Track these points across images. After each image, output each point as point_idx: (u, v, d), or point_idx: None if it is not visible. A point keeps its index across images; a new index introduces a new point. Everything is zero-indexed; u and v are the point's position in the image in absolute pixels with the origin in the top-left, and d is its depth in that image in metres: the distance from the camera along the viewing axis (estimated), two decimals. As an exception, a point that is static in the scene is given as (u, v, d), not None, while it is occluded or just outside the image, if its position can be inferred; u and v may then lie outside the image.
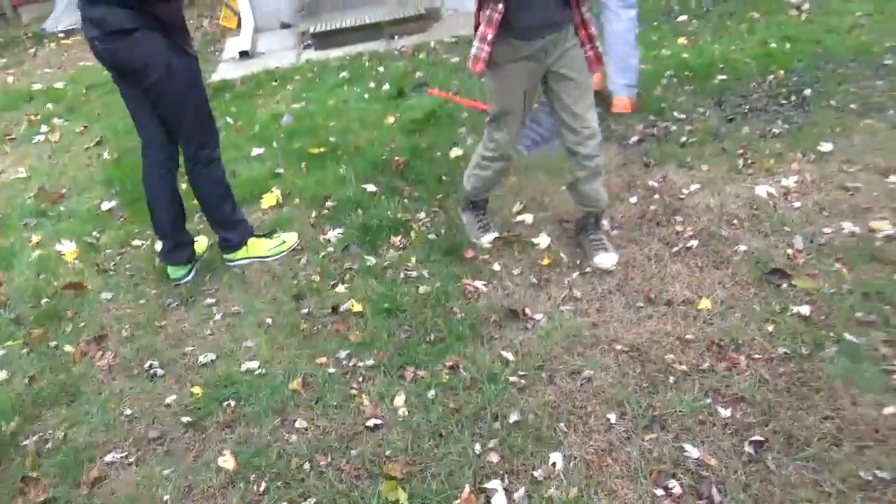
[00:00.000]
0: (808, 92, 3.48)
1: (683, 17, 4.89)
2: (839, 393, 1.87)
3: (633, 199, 2.89)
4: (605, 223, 2.67)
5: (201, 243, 2.97)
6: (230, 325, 2.54)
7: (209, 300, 2.69)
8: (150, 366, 2.37)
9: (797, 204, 2.68)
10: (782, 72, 3.75)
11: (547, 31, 2.19)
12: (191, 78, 2.46)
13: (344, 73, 4.84)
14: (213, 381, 2.25)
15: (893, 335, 2.03)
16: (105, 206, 3.54)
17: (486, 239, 2.74)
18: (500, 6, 2.12)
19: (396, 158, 3.47)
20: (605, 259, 2.50)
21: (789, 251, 2.43)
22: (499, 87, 2.35)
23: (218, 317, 2.58)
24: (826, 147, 2.99)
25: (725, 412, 1.87)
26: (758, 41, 4.24)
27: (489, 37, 2.18)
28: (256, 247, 2.86)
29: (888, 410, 1.80)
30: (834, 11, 4.48)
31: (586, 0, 2.21)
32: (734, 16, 4.78)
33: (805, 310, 2.16)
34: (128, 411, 2.18)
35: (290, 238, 2.93)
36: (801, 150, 3.02)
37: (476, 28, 2.24)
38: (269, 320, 2.51)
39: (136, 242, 3.18)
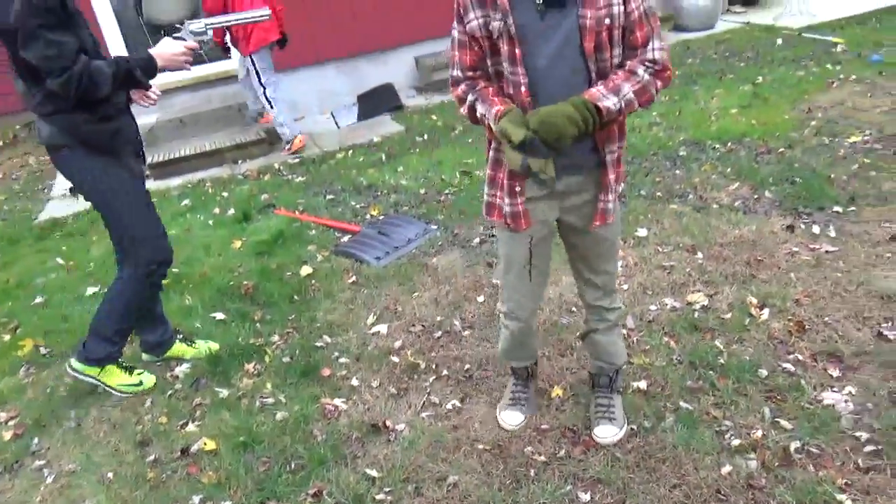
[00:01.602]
0: (623, 184, 3.89)
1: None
2: (682, 459, 2.01)
3: (481, 298, 3.02)
4: (620, 383, 2.27)
5: (149, 379, 2.76)
6: (64, 486, 2.28)
7: (38, 462, 2.41)
8: (-35, 552, 2.06)
9: (625, 286, 2.92)
10: (598, 168, 4.18)
11: (565, 174, 1.80)
12: (118, 199, 2.45)
13: (186, 201, 4.75)
14: (43, 558, 1.98)
15: (720, 398, 2.22)
16: None
17: (506, 418, 2.25)
18: None
19: (245, 283, 3.40)
20: (606, 432, 2.12)
21: (624, 331, 2.63)
22: (501, 232, 1.98)
23: (49, 479, 2.32)
24: (642, 232, 3.33)
25: (585, 496, 1.93)
26: (575, 143, 4.71)
27: (518, 188, 1.83)
28: (111, 374, 2.66)
29: (725, 469, 1.95)
30: (634, 112, 5.12)
31: (620, 138, 1.83)
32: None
33: (643, 384, 2.32)
34: None
35: (148, 380, 2.74)
36: (621, 237, 3.33)
37: (490, 164, 1.90)
38: (110, 474, 2.29)
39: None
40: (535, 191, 1.85)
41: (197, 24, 2.49)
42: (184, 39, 2.46)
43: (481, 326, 2.82)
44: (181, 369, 2.82)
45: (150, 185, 5.25)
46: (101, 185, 2.41)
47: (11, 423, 2.65)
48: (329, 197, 4.42)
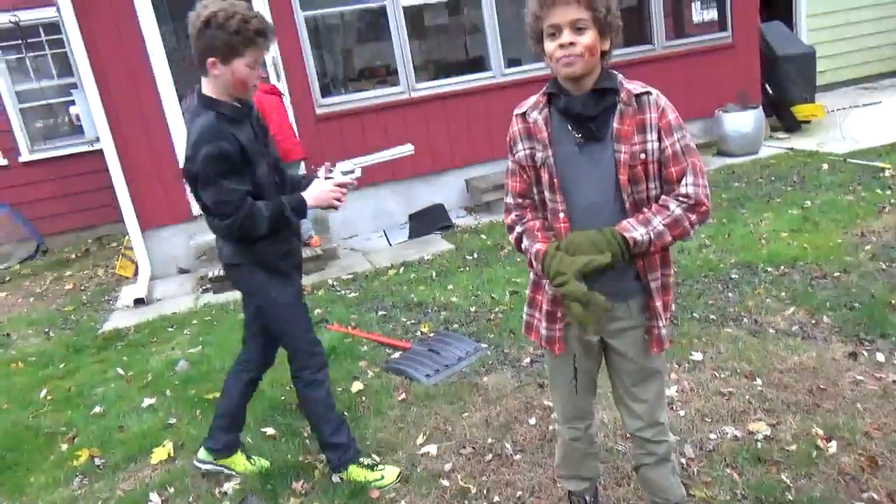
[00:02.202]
0: (672, 307, 3.88)
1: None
2: None
3: (532, 421, 2.97)
4: None
5: (391, 472, 2.77)
6: None
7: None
8: None
9: (682, 412, 2.85)
10: (648, 290, 4.18)
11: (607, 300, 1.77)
12: (287, 310, 2.63)
13: (242, 315, 4.89)
14: None
15: (791, 537, 2.10)
16: (-31, 477, 3.20)
17: None
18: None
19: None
20: None
21: (682, 460, 2.54)
22: (547, 357, 2.01)
23: None
24: (697, 356, 3.28)
25: None
26: (623, 263, 4.75)
27: (558, 314, 1.86)
28: (357, 474, 2.73)
29: None
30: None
31: (664, 266, 1.81)
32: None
33: (707, 520, 2.21)
34: None
35: (391, 473, 2.76)
36: (676, 360, 3.28)
37: (530, 285, 1.96)
38: None
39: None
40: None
41: (346, 165, 2.65)
42: (333, 179, 2.61)
43: (533, 450, 2.76)
44: (230, 485, 2.82)
45: (210, 298, 5.46)
46: (271, 299, 2.60)
47: (62, 536, 2.66)
48: (381, 313, 4.51)
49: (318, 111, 6.35)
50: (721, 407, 2.85)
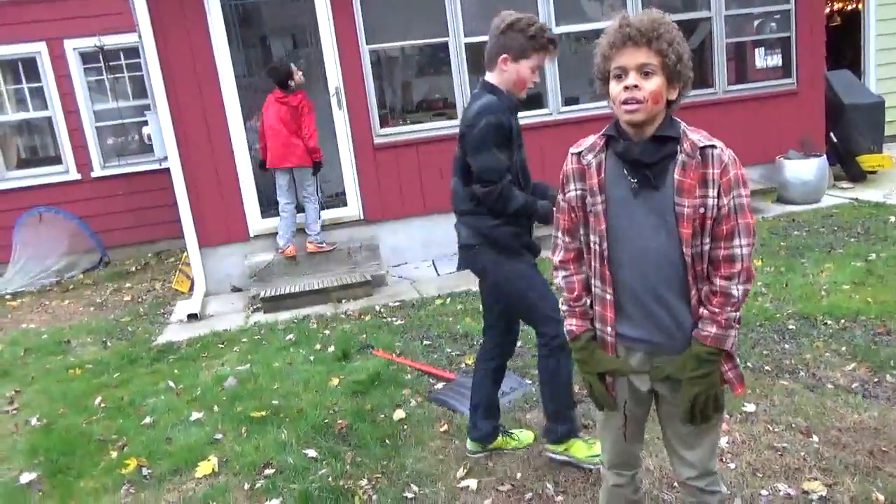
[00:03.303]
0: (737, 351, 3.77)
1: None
2: None
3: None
4: None
5: (527, 435, 3.12)
6: None
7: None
8: None
9: (732, 465, 2.75)
10: (700, 336, 4.08)
11: (646, 348, 1.78)
12: (522, 281, 2.80)
13: (290, 336, 4.99)
14: None
15: None
16: (24, 478, 3.31)
17: None
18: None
19: (339, 421, 3.46)
20: None
21: (731, 515, 2.44)
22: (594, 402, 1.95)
23: None
24: (750, 408, 3.17)
25: None
26: (675, 307, 4.66)
27: None
28: (578, 448, 2.87)
29: None
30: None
31: (728, 305, 1.68)
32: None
33: (756, 580, 2.12)
34: None
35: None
36: (728, 411, 3.18)
37: None
38: None
39: (52, 519, 2.94)
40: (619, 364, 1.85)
41: None
42: None
43: (575, 493, 2.71)
44: (271, 505, 2.84)
45: (260, 317, 5.58)
46: (504, 273, 2.78)
47: (107, 541, 2.72)
48: (426, 342, 4.52)
49: (377, 140, 6.50)
50: (774, 462, 2.74)
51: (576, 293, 1.85)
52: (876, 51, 9.33)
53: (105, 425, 3.80)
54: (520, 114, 2.79)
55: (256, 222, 6.42)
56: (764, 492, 2.56)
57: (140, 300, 6.66)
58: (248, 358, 4.62)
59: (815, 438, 2.87)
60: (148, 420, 3.78)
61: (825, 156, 7.26)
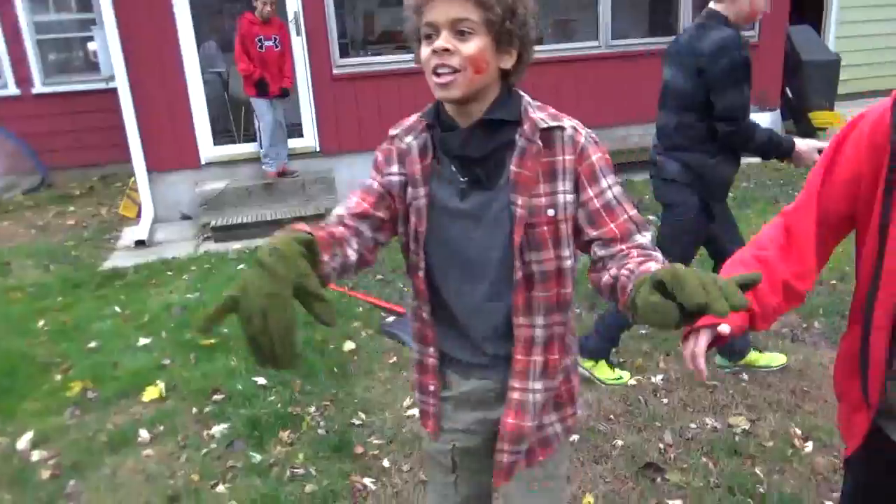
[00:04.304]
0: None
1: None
2: (715, 589, 1.93)
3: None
4: None
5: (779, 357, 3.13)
6: (92, 532, 2.31)
7: (71, 504, 2.46)
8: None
9: (665, 400, 2.90)
10: (646, 279, 4.22)
11: (478, 373, 1.39)
12: (687, 237, 2.85)
13: (241, 266, 4.94)
14: None
15: (758, 528, 2.16)
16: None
17: None
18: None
19: (290, 351, 3.48)
20: None
21: (661, 445, 2.59)
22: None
23: (79, 523, 2.36)
24: (686, 348, 3.32)
25: None
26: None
27: (431, 387, 1.42)
28: (602, 370, 3.01)
29: None
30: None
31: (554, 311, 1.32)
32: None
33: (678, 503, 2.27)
34: None
35: (626, 376, 3.06)
36: (665, 349, 3.33)
37: None
38: (137, 526, 2.32)
39: (-6, 438, 2.92)
40: (455, 389, 1.42)
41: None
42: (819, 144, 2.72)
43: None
44: (218, 429, 2.88)
45: (211, 246, 5.50)
46: (684, 223, 2.82)
47: (51, 462, 2.73)
48: (378, 277, 4.55)
49: (335, 71, 6.32)
50: (704, 398, 2.90)
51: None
52: (839, 8, 9.43)
53: (48, 349, 3.74)
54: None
55: (208, 149, 6.24)
56: (693, 425, 2.72)
57: (84, 224, 6.46)
58: (197, 286, 4.58)
59: (745, 377, 3.04)
60: (93, 344, 3.74)
61: (779, 110, 7.41)
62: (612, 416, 2.81)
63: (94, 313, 4.21)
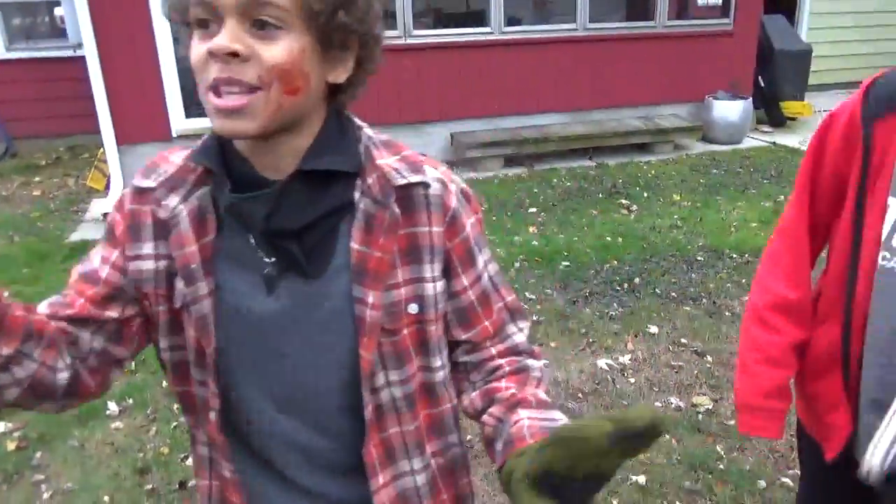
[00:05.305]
0: (637, 280, 3.99)
1: (533, 209, 5.52)
2: (674, 560, 2.01)
3: (490, 373, 3.07)
4: None
5: None
6: (60, 504, 2.31)
7: (38, 476, 2.45)
8: (-46, 555, 2.07)
9: (632, 380, 2.97)
10: (616, 262, 4.28)
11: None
12: None
13: (214, 241, 4.89)
14: (30, 571, 2.00)
15: (716, 503, 2.23)
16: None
17: None
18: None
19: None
20: None
21: (627, 424, 2.66)
22: None
23: (46, 495, 2.35)
24: (654, 329, 3.39)
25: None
26: (596, 234, 4.84)
27: None
28: None
29: (716, 576, 1.95)
30: (656, 213, 5.26)
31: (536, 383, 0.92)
32: (576, 211, 5.45)
33: (642, 479, 2.34)
34: None
35: None
36: (633, 331, 3.40)
37: None
38: (106, 498, 2.32)
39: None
40: None
41: None
42: None
43: (487, 401, 2.86)
44: (188, 403, 2.87)
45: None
46: None
47: (17, 434, 2.70)
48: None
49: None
50: (669, 378, 2.98)
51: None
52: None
53: (14, 320, 3.67)
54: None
55: (180, 121, 6.13)
56: (658, 404, 2.79)
57: (51, 196, 6.33)
58: (168, 260, 4.52)
59: (709, 359, 3.12)
60: (60, 317, 3.68)
61: (751, 99, 7.52)
62: (580, 395, 2.87)
63: (61, 286, 4.04)
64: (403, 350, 0.86)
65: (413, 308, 0.85)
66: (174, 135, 6.11)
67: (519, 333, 0.94)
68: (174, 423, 2.73)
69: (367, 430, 0.86)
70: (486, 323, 0.91)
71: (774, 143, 7.45)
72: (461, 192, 0.89)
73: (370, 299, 0.82)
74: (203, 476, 0.95)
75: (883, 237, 1.11)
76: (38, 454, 2.57)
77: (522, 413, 0.82)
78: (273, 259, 0.82)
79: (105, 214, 5.51)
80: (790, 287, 1.28)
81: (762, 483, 2.32)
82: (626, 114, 7.19)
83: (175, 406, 2.85)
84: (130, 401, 2.90)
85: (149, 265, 0.84)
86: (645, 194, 5.57)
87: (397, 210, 0.83)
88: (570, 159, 6.56)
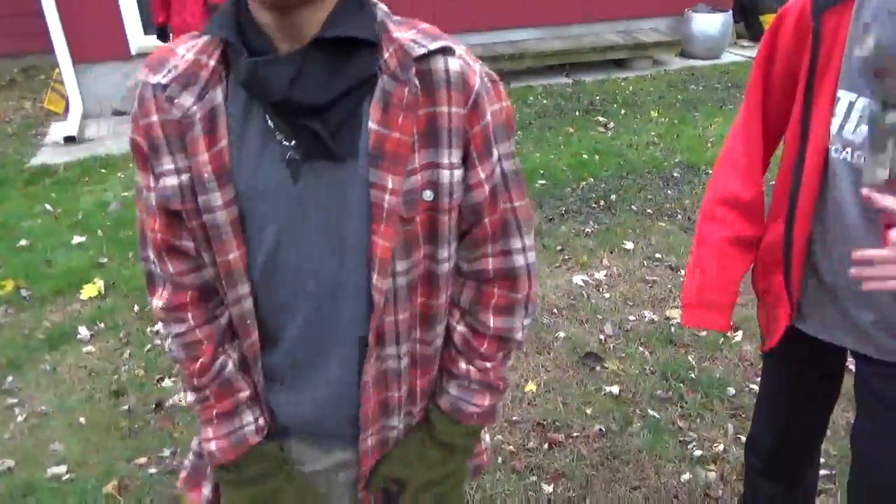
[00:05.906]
0: (613, 197, 3.97)
1: (510, 128, 5.43)
2: (645, 464, 2.07)
3: (466, 291, 3.06)
4: None
5: None
6: (35, 426, 2.29)
7: (10, 400, 2.42)
8: (-71, 478, 2.06)
9: (607, 295, 2.99)
10: (592, 179, 4.25)
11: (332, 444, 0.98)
12: None
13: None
14: (9, 492, 2.00)
15: (687, 410, 2.29)
16: None
17: None
18: None
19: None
20: None
21: (601, 336, 2.69)
22: None
23: (20, 418, 2.33)
24: (629, 245, 3.40)
25: (548, 488, 1.98)
26: (572, 152, 4.78)
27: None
28: None
29: (685, 477, 2.02)
30: (633, 130, 5.20)
31: (504, 349, 0.97)
32: (553, 129, 5.36)
33: (615, 389, 2.39)
34: None
35: None
36: (609, 247, 3.40)
37: None
38: (82, 419, 2.31)
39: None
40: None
41: None
42: None
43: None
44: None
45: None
46: None
47: (-14, 359, 2.66)
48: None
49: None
50: (644, 293, 3.00)
51: (203, 363, 0.93)
52: None
53: (-25, 247, 3.57)
54: None
55: (139, 38, 5.83)
56: (632, 318, 2.82)
57: (7, 119, 6.05)
58: (132, 184, 4.39)
59: (683, 273, 3.15)
60: (24, 242, 3.58)
61: (731, 12, 7.34)
62: (555, 310, 2.89)
63: (24, 211, 4.01)
64: (412, 238, 0.84)
65: (428, 195, 0.82)
66: (133, 52, 5.82)
67: (520, 255, 0.91)
68: (147, 346, 2.70)
69: (375, 311, 0.85)
70: (486, 220, 0.88)
71: (753, 58, 7.34)
72: (485, 74, 0.84)
73: (389, 184, 0.79)
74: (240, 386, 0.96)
75: (833, 130, 1.10)
76: (10, 378, 2.54)
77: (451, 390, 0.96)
78: (293, 141, 0.79)
79: (67, 138, 5.30)
80: (742, 185, 1.29)
81: (731, 390, 2.38)
82: (605, 27, 6.99)
83: (148, 329, 2.82)
84: (102, 325, 2.85)
85: (172, 181, 0.82)
86: (622, 111, 5.48)
87: (417, 83, 0.78)
88: (547, 76, 6.40)
